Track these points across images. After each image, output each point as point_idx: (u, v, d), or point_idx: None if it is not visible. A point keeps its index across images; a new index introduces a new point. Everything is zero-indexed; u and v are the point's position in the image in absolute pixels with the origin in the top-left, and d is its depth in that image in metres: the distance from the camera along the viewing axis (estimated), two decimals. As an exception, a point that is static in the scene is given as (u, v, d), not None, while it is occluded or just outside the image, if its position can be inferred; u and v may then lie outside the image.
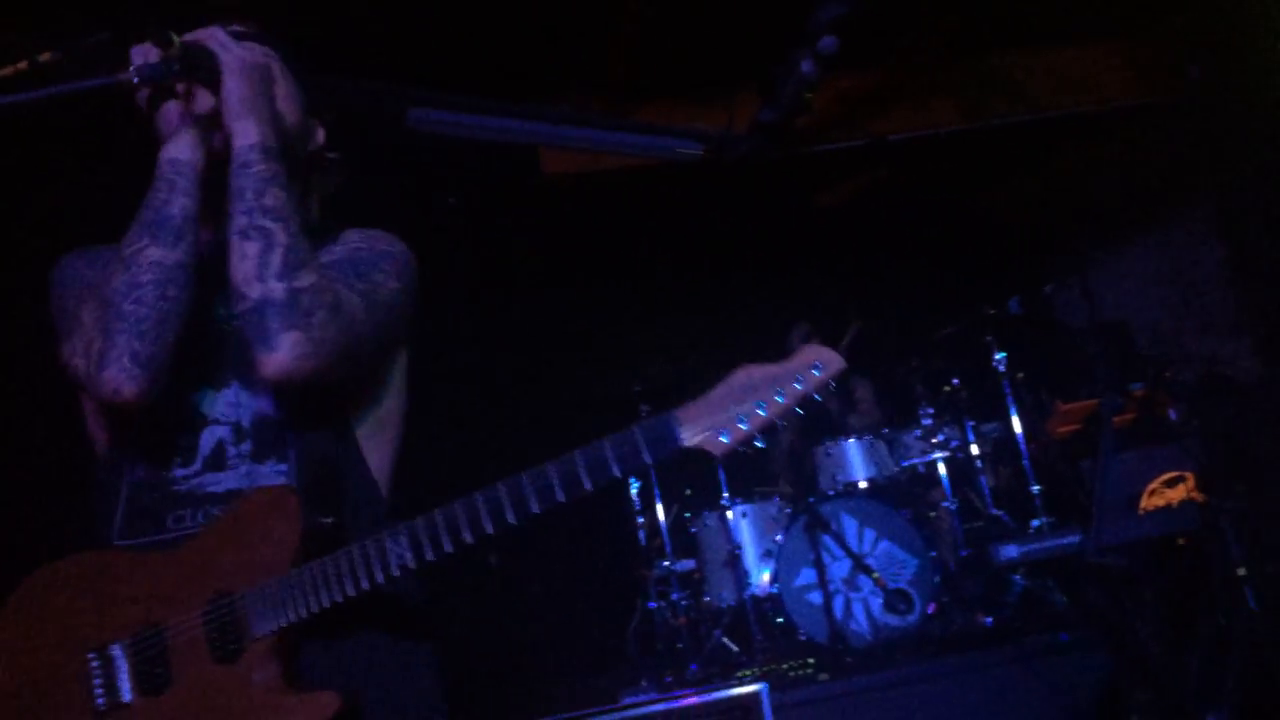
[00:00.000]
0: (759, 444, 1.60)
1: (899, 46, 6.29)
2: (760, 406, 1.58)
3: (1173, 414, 4.71)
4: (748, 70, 5.90)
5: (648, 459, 1.57)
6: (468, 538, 1.60)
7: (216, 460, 1.80)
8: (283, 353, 1.65)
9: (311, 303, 1.66)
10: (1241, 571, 3.31)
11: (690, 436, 1.58)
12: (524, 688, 5.21)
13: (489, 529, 1.59)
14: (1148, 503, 4.32)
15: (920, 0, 5.80)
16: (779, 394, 1.58)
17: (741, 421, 1.58)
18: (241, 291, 1.68)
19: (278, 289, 1.66)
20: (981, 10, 5.98)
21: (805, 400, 1.60)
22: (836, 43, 5.50)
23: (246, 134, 1.75)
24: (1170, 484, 4.19)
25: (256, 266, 1.67)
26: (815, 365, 1.59)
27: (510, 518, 1.59)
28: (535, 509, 1.59)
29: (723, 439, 1.58)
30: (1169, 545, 3.98)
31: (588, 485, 1.58)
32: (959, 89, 6.50)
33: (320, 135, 2.00)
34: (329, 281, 1.71)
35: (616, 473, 1.57)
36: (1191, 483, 3.91)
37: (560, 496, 1.58)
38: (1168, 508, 3.87)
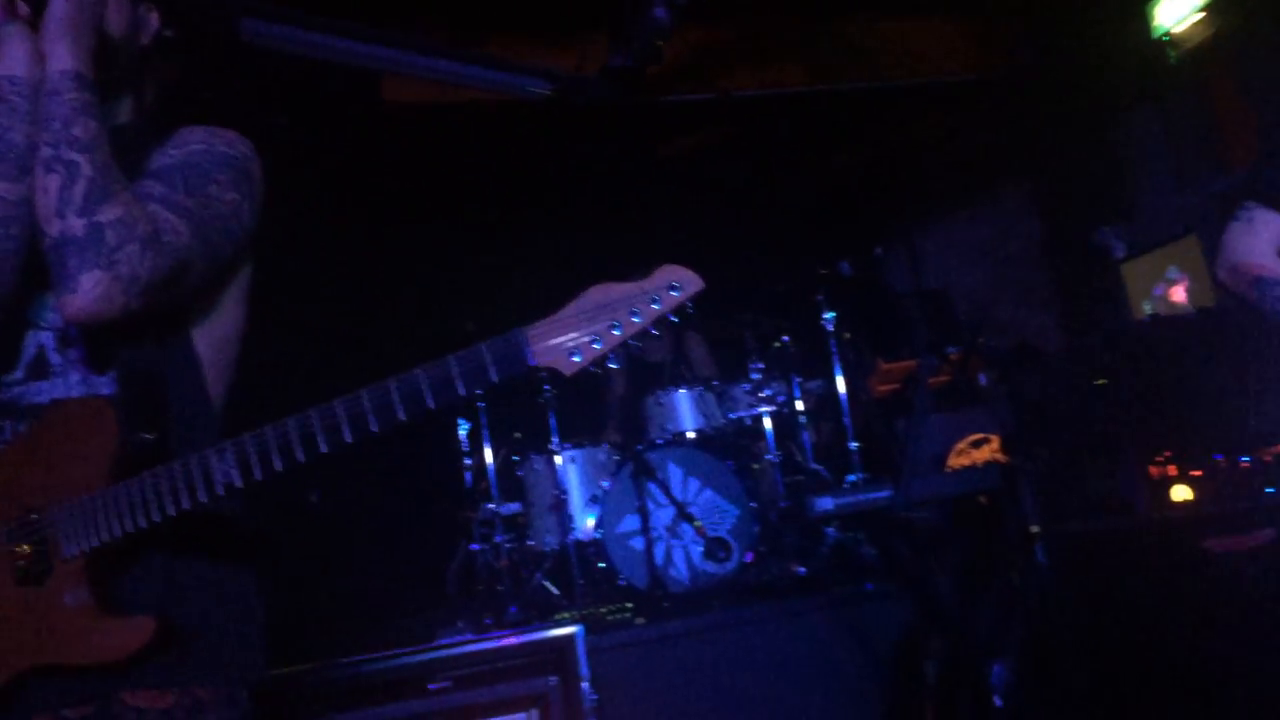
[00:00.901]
0: (612, 364, 1.57)
1: (750, 3, 6.33)
2: (615, 326, 1.54)
3: (983, 379, 4.95)
4: (601, 13, 5.83)
5: (494, 376, 1.51)
6: (300, 456, 1.52)
7: (39, 368, 1.69)
8: (82, 294, 1.55)
9: (118, 237, 1.56)
10: (1035, 529, 3.52)
11: (540, 355, 1.53)
12: (341, 626, 5.11)
13: (323, 447, 1.52)
14: (955, 461, 4.54)
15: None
16: (635, 313, 1.55)
17: (596, 341, 1.54)
18: (42, 229, 1.58)
19: (77, 225, 1.56)
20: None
21: (661, 320, 1.56)
22: (689, -8, 5.50)
23: (60, 58, 1.64)
24: (976, 444, 4.41)
25: (56, 202, 1.57)
26: (673, 285, 1.56)
27: (347, 435, 1.52)
28: (374, 427, 1.52)
29: (575, 358, 1.53)
30: (972, 502, 4.19)
31: (430, 403, 1.51)
32: (807, 51, 6.61)
33: (154, 21, 1.87)
34: (143, 210, 1.61)
35: (461, 390, 1.51)
36: (996, 444, 4.12)
37: (401, 414, 1.51)
38: (973, 467, 4.07)
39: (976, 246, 8.01)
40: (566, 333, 1.53)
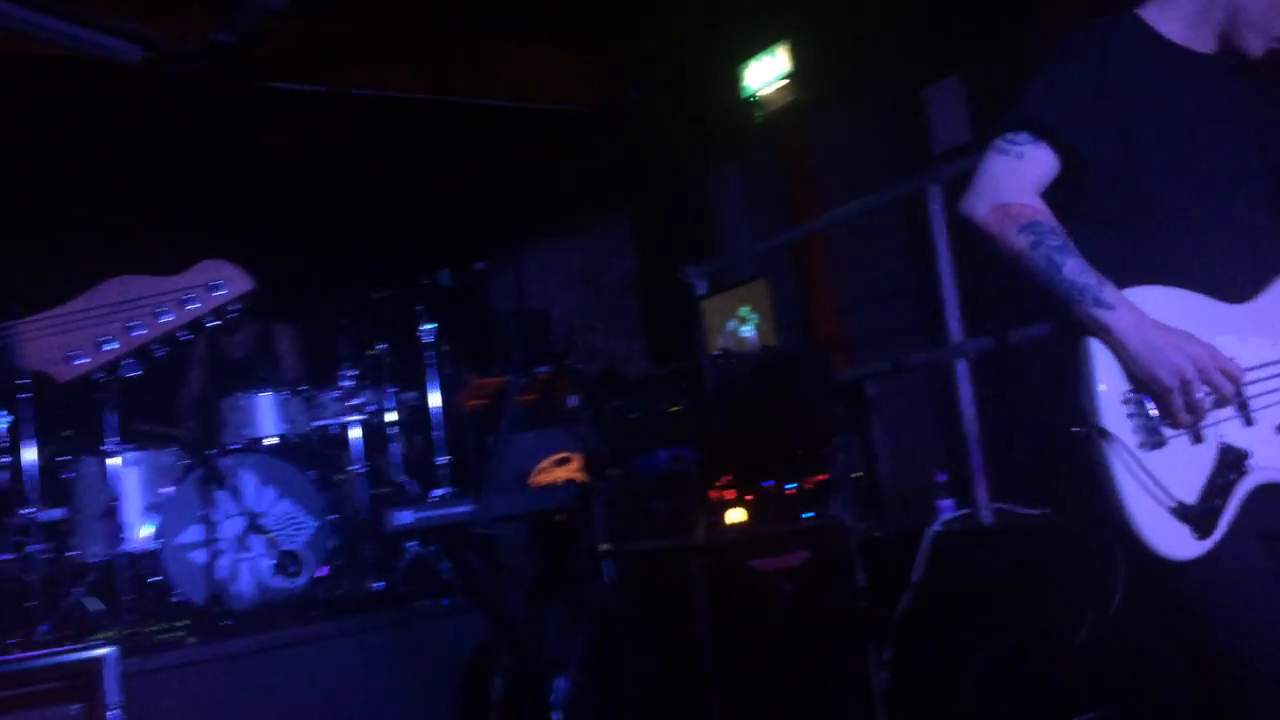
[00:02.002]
0: (131, 372, 1.34)
1: (373, 3, 6.17)
2: (136, 326, 1.32)
3: (572, 400, 5.11)
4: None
5: (-39, 375, 1.25)
6: None
7: None
8: None
9: None
10: (604, 547, 3.65)
11: (32, 356, 1.28)
12: None
13: None
14: (537, 479, 4.63)
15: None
16: (163, 313, 1.33)
17: (108, 342, 1.31)
18: None
19: None
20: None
21: (198, 322, 1.35)
22: (308, -23, 5.26)
23: None
24: (559, 463, 4.52)
25: None
26: (215, 283, 1.36)
27: None
28: None
29: (77, 361, 1.30)
30: (550, 520, 4.28)
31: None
32: (426, 60, 6.54)
33: None
34: None
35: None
36: (576, 464, 4.24)
37: None
38: (553, 485, 4.17)
39: (577, 272, 8.30)
40: (70, 330, 1.31)
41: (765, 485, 4.02)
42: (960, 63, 5.44)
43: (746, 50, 6.46)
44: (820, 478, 4.12)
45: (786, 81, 6.30)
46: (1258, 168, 2.08)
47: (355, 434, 5.23)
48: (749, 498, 3.96)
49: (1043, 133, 1.96)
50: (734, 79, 6.55)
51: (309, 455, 5.06)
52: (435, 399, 5.20)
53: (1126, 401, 1.83)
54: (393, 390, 5.38)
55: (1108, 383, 1.85)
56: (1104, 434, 1.78)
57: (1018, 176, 1.95)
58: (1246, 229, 2.00)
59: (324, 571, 4.68)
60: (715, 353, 4.35)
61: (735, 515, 3.91)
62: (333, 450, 5.30)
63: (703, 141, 6.98)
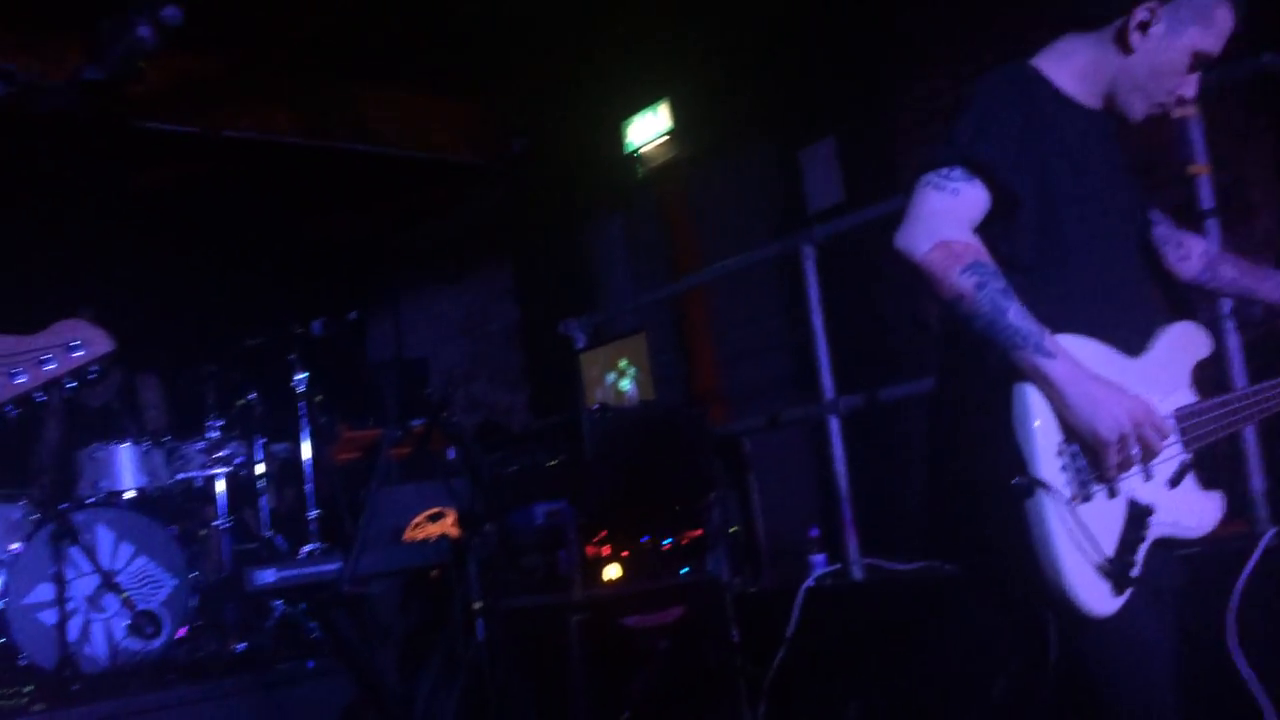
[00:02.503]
0: None
1: (250, 45, 6.06)
2: None
3: (451, 453, 5.03)
4: (81, 19, 5.24)
5: None
6: None
7: None
8: None
9: None
10: (477, 605, 3.59)
11: None
12: None
13: None
14: (412, 534, 4.54)
15: (277, 4, 5.65)
16: (19, 373, 1.29)
17: None
18: None
19: None
20: (334, 34, 6.00)
21: (53, 384, 1.31)
22: (181, 15, 5.13)
23: None
24: (434, 518, 4.44)
25: None
26: (74, 344, 1.32)
27: None
28: None
29: None
30: (423, 576, 4.19)
31: None
32: (305, 104, 6.45)
33: None
34: None
35: None
36: (451, 519, 4.17)
37: None
38: (426, 541, 4.09)
39: (458, 323, 8.22)
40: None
41: (642, 541, 4.01)
42: (834, 125, 5.61)
43: (629, 106, 6.55)
44: (696, 533, 4.13)
45: (667, 138, 6.41)
46: (1143, 222, 2.14)
47: (220, 487, 5.04)
48: (625, 553, 3.95)
49: (977, 170, 1.87)
50: (617, 134, 6.64)
51: (170, 510, 4.87)
52: (307, 451, 5.06)
53: (1060, 453, 1.78)
54: (262, 441, 5.22)
55: (1044, 433, 1.79)
56: (1044, 485, 1.73)
57: (955, 214, 1.85)
58: (1137, 281, 2.04)
59: (183, 632, 4.48)
60: (594, 406, 4.35)
61: (611, 571, 3.90)
62: (196, 504, 5.11)
63: (585, 194, 7.03)
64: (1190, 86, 2.01)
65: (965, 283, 1.79)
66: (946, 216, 1.83)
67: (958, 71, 5.23)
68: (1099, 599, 1.75)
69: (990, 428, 1.82)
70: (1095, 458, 1.78)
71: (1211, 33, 1.96)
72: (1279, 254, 4.14)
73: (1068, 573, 1.72)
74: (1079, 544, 1.73)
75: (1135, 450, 1.79)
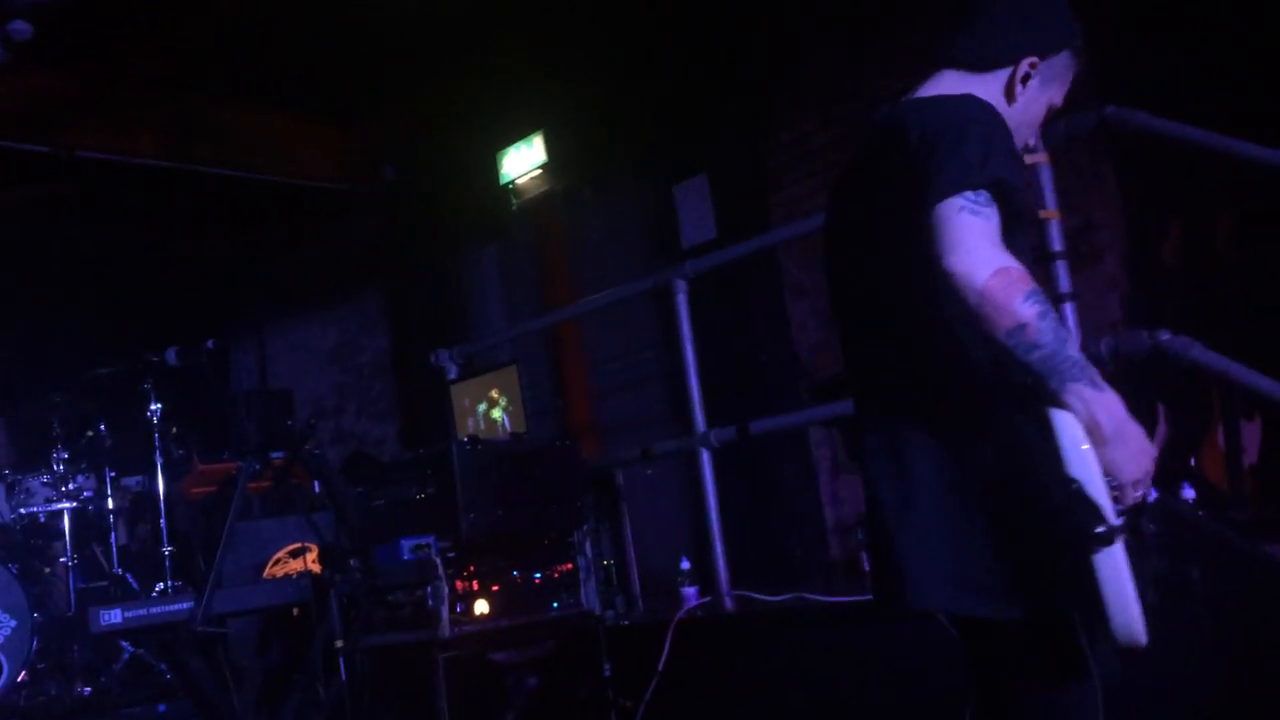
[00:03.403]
0: None
1: (108, 62, 5.84)
2: None
3: (316, 486, 4.88)
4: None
5: None
6: None
7: None
8: None
9: None
10: (339, 643, 3.48)
11: None
12: None
13: None
14: (273, 570, 4.38)
15: (136, 22, 5.45)
16: None
17: None
18: None
19: None
20: (199, 54, 5.83)
21: None
22: (31, 30, 4.92)
23: None
24: (295, 554, 4.30)
25: None
26: None
27: None
28: None
29: None
30: (284, 614, 4.05)
31: None
32: (165, 125, 6.24)
33: None
34: None
35: None
36: (314, 555, 4.05)
37: None
38: (286, 578, 3.95)
39: (327, 352, 8.02)
40: None
41: (512, 575, 3.96)
42: (707, 162, 5.71)
43: (504, 137, 6.54)
44: (567, 567, 4.10)
45: (542, 171, 6.41)
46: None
47: (66, 522, 4.79)
48: (495, 588, 3.89)
49: (1001, 192, 1.77)
50: (492, 165, 6.61)
51: (10, 546, 4.59)
52: (161, 485, 4.85)
53: (1109, 494, 1.70)
54: (111, 475, 4.98)
55: (1100, 475, 1.70)
56: (1120, 532, 1.67)
57: (996, 239, 1.73)
58: None
59: (24, 676, 4.22)
60: (464, 439, 4.28)
61: (481, 606, 3.83)
62: (41, 540, 4.84)
63: (459, 225, 6.97)
64: (1034, 135, 2.10)
65: (1028, 311, 1.67)
66: (993, 241, 1.72)
67: (828, 114, 5.39)
68: (1143, 630, 1.69)
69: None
70: (1120, 495, 1.72)
71: (1065, 89, 2.04)
72: (1123, 296, 4.38)
73: (1136, 610, 1.67)
74: (1132, 582, 1.68)
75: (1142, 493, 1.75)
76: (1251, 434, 3.84)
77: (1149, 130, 3.21)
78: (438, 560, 3.85)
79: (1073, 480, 1.67)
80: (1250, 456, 3.82)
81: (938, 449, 1.83)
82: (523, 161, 6.48)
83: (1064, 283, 3.19)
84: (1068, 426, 1.70)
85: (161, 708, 3.97)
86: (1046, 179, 3.25)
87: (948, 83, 1.99)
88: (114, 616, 3.22)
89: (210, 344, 4.21)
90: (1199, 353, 2.95)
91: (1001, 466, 1.79)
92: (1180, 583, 2.14)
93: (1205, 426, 3.90)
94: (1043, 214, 3.24)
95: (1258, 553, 2.81)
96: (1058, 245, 3.22)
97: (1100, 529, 1.65)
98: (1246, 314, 3.93)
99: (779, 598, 3.83)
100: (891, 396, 1.91)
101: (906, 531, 1.84)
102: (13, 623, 4.29)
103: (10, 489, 4.76)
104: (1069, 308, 3.18)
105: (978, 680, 1.93)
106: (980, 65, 1.99)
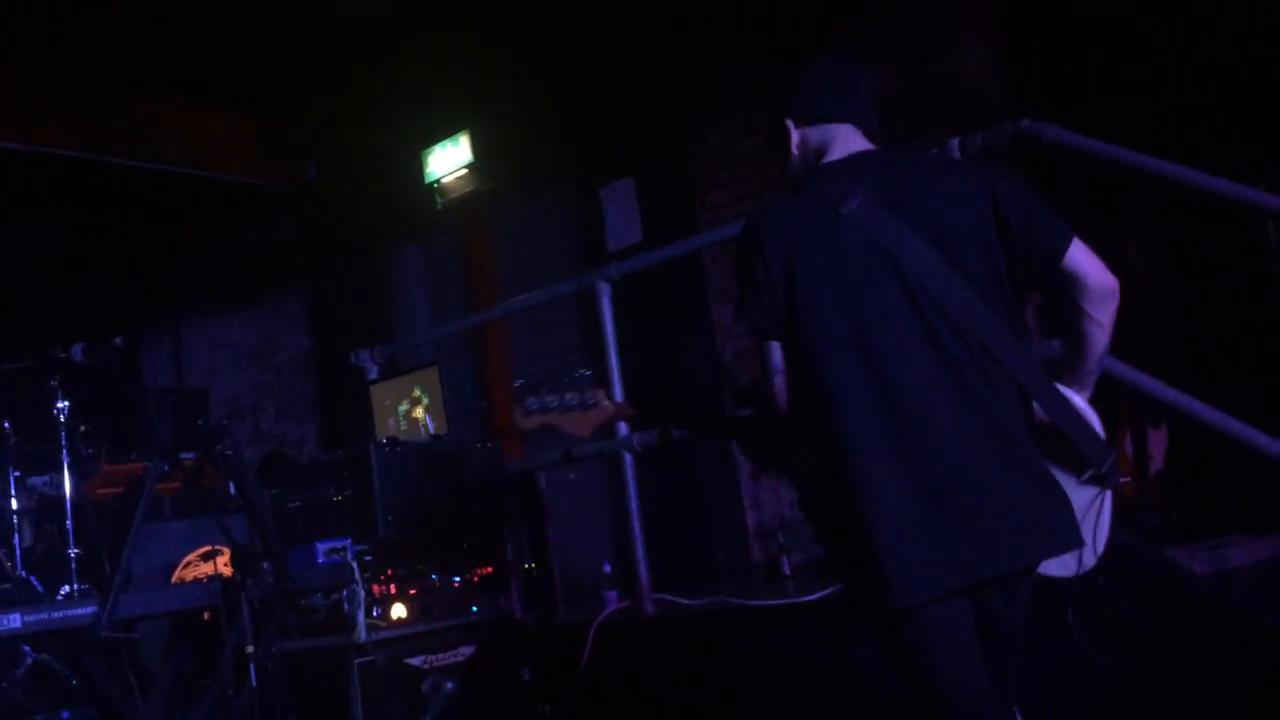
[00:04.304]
0: None
1: (16, 51, 5.66)
2: None
3: (231, 488, 4.76)
4: None
5: None
6: None
7: None
8: None
9: None
10: (250, 648, 3.40)
11: None
12: None
13: None
14: (183, 573, 4.27)
15: (48, 9, 5.30)
16: None
17: None
18: None
19: None
20: (111, 43, 5.68)
21: None
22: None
23: None
24: (207, 556, 4.19)
25: None
26: None
27: None
28: None
29: None
30: (194, 619, 3.95)
31: None
32: (76, 116, 6.07)
33: None
34: None
35: None
36: (225, 558, 3.95)
37: None
38: (196, 581, 3.85)
39: (246, 351, 7.86)
40: None
41: (431, 578, 3.91)
42: (634, 166, 5.71)
43: (430, 136, 6.47)
44: (488, 570, 4.06)
45: (467, 170, 6.35)
46: None
47: (-33, 525, 4.61)
48: (413, 591, 3.84)
49: None
50: (417, 164, 6.53)
51: (-96, 550, 4.41)
52: (68, 484, 4.69)
53: None
54: (16, 474, 4.80)
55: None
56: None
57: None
58: None
59: (-85, 685, 4.05)
60: (383, 440, 4.22)
61: (398, 610, 3.77)
62: (-62, 542, 4.65)
63: (383, 223, 6.88)
64: None
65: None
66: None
67: (752, 121, 5.43)
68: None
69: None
70: None
71: None
72: (1037, 306, 4.46)
73: None
74: None
75: None
76: (1158, 441, 3.95)
77: (1060, 144, 3.30)
78: (354, 564, 3.79)
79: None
80: (1157, 463, 3.93)
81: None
82: (448, 161, 6.42)
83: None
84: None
85: (65, 715, 3.83)
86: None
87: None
88: (12, 621, 3.10)
89: (118, 341, 4.08)
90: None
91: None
92: (1088, 589, 2.23)
93: (1114, 435, 4.00)
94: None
95: (1159, 558, 2.90)
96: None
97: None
98: (1154, 324, 4.05)
99: (699, 601, 3.84)
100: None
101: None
102: (-93, 628, 4.11)
103: (-95, 489, 4.57)
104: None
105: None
106: (875, 139, 2.18)
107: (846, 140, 2.12)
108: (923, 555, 1.87)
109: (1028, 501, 1.91)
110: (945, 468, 1.89)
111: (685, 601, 3.92)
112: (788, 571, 4.53)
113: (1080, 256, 1.99)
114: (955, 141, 3.44)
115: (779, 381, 2.06)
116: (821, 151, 2.13)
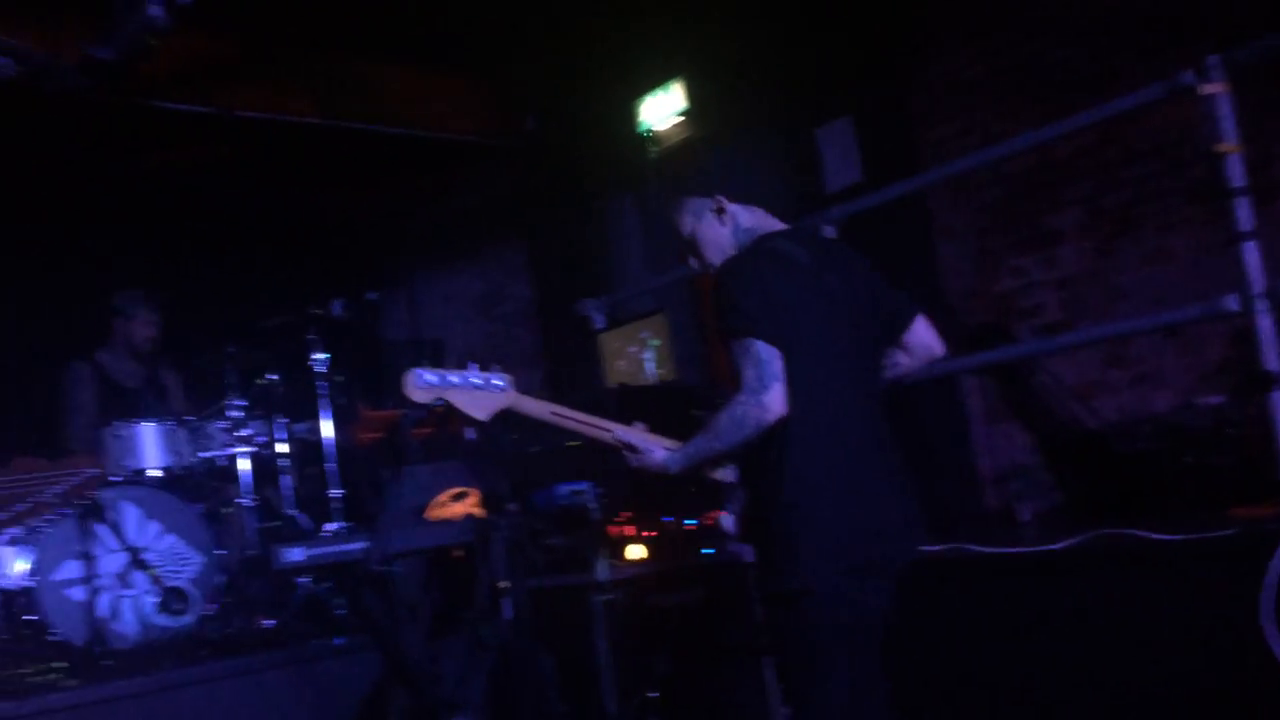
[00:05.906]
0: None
1: (262, 24, 6.04)
2: None
3: (470, 434, 5.04)
4: (89, -1, 5.23)
5: None
6: None
7: None
8: None
9: None
10: (503, 584, 3.62)
11: None
12: None
13: None
14: (434, 513, 4.56)
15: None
16: None
17: None
18: None
19: None
20: (347, 13, 5.98)
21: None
22: (195, -6, 5.11)
23: None
24: (457, 498, 4.46)
25: None
26: None
27: None
28: None
29: None
30: (447, 555, 4.23)
31: None
32: (316, 83, 6.43)
33: None
34: None
35: None
36: (475, 499, 4.20)
37: None
38: (450, 521, 4.11)
39: (472, 302, 8.23)
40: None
41: (665, 521, 4.04)
42: (852, 104, 5.59)
43: (643, 85, 6.52)
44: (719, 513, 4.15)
45: (682, 118, 6.39)
46: None
47: (244, 466, 5.08)
48: (648, 534, 3.98)
49: None
50: (631, 113, 6.61)
51: (195, 488, 4.90)
52: (328, 431, 5.09)
53: None
54: (283, 421, 5.24)
55: None
56: None
57: None
58: None
59: (213, 609, 4.52)
60: (613, 386, 4.37)
61: (635, 551, 3.93)
62: (220, 483, 5.14)
63: (599, 174, 7.02)
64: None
65: None
66: None
67: (975, 48, 5.21)
68: None
69: None
70: None
71: None
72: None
73: None
74: None
75: None
76: None
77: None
78: (593, 506, 3.97)
79: None
80: None
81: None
82: (662, 108, 6.46)
83: (1244, 220, 3.05)
84: None
85: (339, 640, 4.19)
86: (1226, 111, 3.09)
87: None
88: (297, 554, 3.42)
89: (372, 295, 4.37)
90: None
91: None
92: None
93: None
94: (1221, 148, 3.09)
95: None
96: (1238, 181, 3.06)
97: None
98: None
99: (937, 547, 3.80)
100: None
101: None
102: (201, 559, 4.59)
103: (193, 434, 5.06)
104: (1250, 247, 3.04)
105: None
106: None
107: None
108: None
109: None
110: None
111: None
112: (1027, 519, 4.41)
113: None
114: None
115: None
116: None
